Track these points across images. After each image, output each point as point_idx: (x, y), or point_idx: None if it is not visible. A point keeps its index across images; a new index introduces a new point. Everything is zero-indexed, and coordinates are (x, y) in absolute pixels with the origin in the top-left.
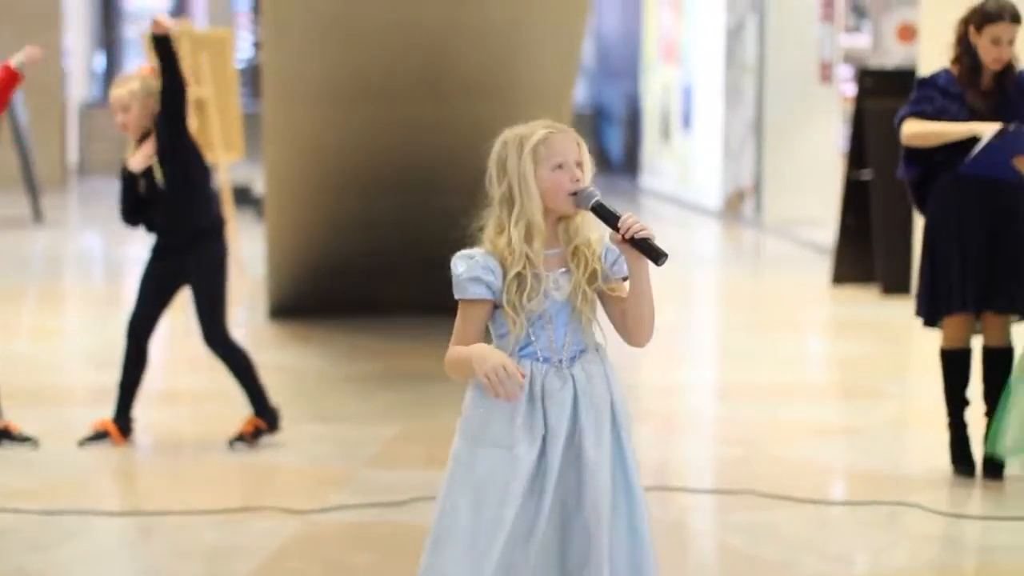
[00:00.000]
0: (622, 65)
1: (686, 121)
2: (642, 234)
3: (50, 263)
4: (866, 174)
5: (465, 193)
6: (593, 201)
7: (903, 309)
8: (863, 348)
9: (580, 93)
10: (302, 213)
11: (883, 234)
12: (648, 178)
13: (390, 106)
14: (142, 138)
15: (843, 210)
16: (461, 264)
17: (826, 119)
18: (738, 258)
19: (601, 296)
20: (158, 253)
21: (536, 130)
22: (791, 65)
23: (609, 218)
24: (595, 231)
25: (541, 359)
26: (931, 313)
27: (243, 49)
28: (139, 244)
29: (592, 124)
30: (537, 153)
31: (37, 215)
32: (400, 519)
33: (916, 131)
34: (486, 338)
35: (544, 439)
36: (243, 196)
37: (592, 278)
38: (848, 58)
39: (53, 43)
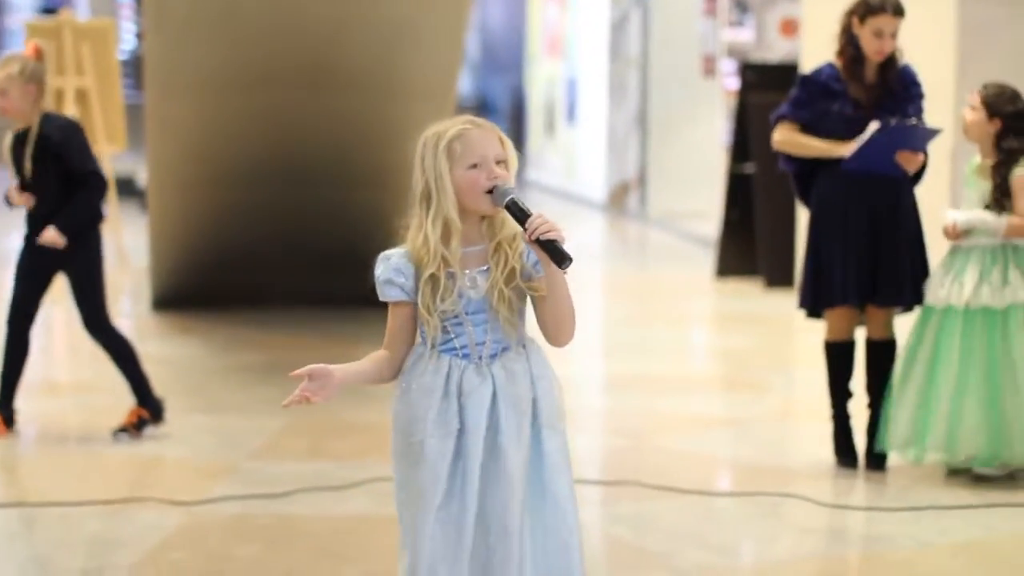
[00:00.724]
0: (506, 58)
1: (571, 114)
2: (548, 235)
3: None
4: (749, 168)
5: (347, 185)
6: (507, 199)
7: (786, 302)
8: (747, 341)
9: (464, 86)
10: (185, 204)
11: (766, 228)
12: (534, 171)
13: (273, 98)
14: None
15: (726, 204)
16: (379, 266)
17: (709, 113)
18: (623, 251)
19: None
20: (32, 241)
21: (452, 127)
22: (675, 59)
23: (520, 217)
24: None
25: (461, 355)
26: (814, 305)
27: (125, 40)
28: (17, 234)
29: (476, 116)
30: (452, 150)
31: None
32: (284, 511)
33: (785, 139)
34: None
35: (460, 436)
36: (126, 187)
37: (510, 277)
38: (731, 52)
39: None
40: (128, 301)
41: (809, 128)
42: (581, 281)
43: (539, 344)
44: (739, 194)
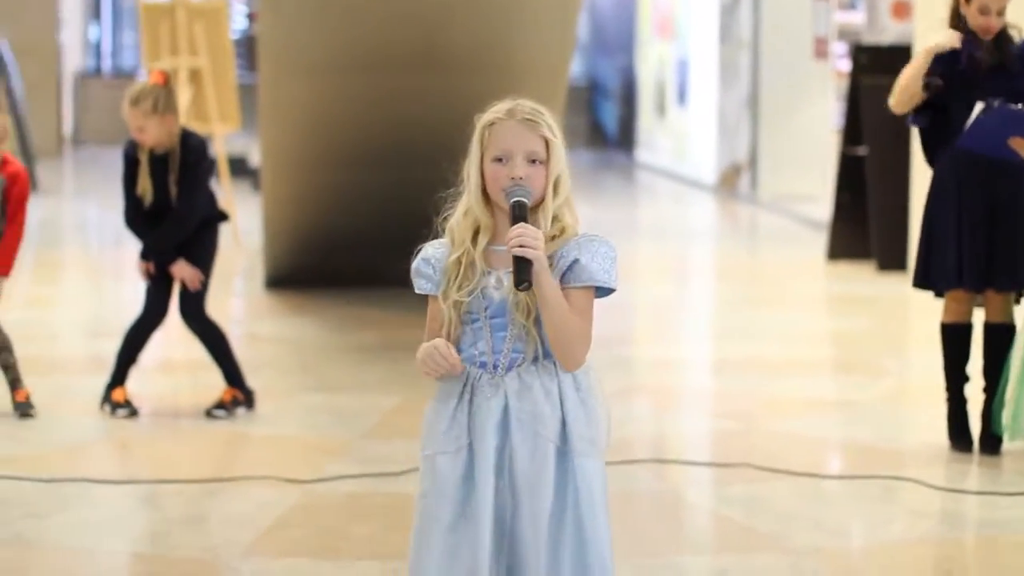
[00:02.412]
0: (617, 39)
1: (681, 96)
2: (516, 251)
3: (45, 231)
4: (861, 150)
5: (459, 166)
6: (511, 200)
7: (899, 285)
8: (859, 324)
9: (575, 67)
10: (298, 184)
11: (878, 210)
12: (644, 153)
13: (386, 79)
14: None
15: (838, 186)
16: (416, 258)
17: (821, 95)
18: (733, 233)
19: None
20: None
21: (493, 113)
22: (786, 41)
23: (513, 224)
24: (571, 226)
25: (478, 363)
26: (925, 283)
27: (237, 20)
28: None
29: (587, 98)
30: (483, 139)
31: (32, 184)
32: (398, 489)
33: (894, 90)
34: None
35: (470, 450)
36: (239, 167)
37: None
38: (843, 34)
39: (49, 13)
40: (241, 281)
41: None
42: (691, 264)
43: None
44: (851, 176)
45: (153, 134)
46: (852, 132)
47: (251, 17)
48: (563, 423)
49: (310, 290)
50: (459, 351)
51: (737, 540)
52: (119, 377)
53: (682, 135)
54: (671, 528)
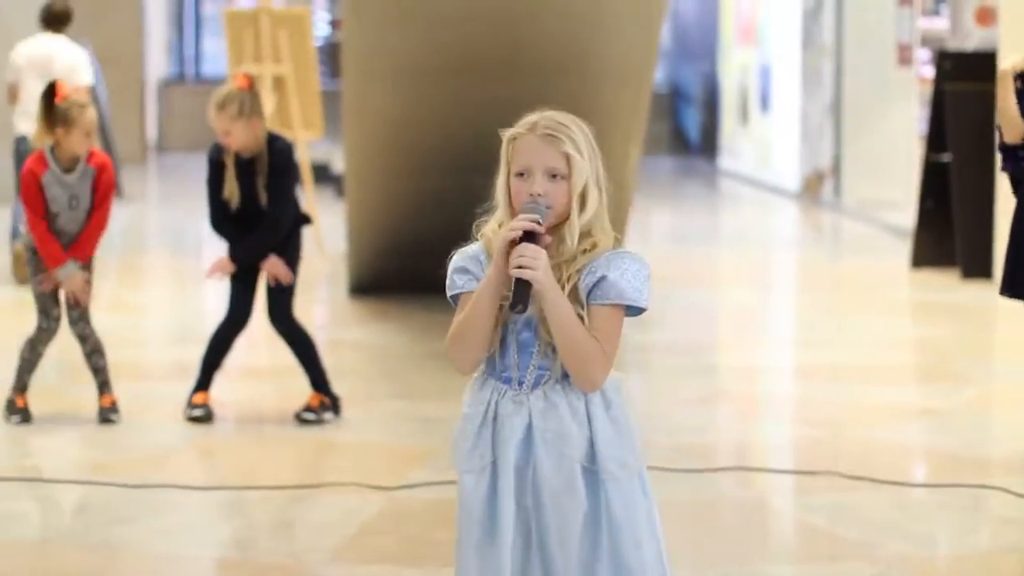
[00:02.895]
0: (699, 46)
1: (764, 102)
2: (515, 272)
3: (130, 238)
4: (945, 157)
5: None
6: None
7: (984, 293)
8: (943, 331)
9: (657, 73)
10: (382, 191)
11: (963, 217)
12: (727, 159)
13: (470, 85)
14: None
15: (922, 193)
16: (456, 257)
17: (904, 101)
18: (816, 240)
19: None
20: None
21: (519, 127)
22: (869, 47)
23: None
24: (603, 242)
25: (503, 379)
26: (1013, 292)
27: (320, 27)
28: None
29: (669, 105)
30: (508, 153)
31: (117, 191)
32: None
33: (1001, 125)
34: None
35: (494, 468)
36: (322, 174)
37: None
38: (926, 41)
39: (133, 20)
40: (325, 287)
41: None
42: (774, 271)
43: (614, 379)
44: (935, 183)
45: (239, 138)
46: (936, 139)
47: (334, 24)
48: (591, 443)
49: (394, 296)
50: (485, 366)
51: (823, 549)
52: (203, 382)
53: (765, 141)
54: (756, 536)
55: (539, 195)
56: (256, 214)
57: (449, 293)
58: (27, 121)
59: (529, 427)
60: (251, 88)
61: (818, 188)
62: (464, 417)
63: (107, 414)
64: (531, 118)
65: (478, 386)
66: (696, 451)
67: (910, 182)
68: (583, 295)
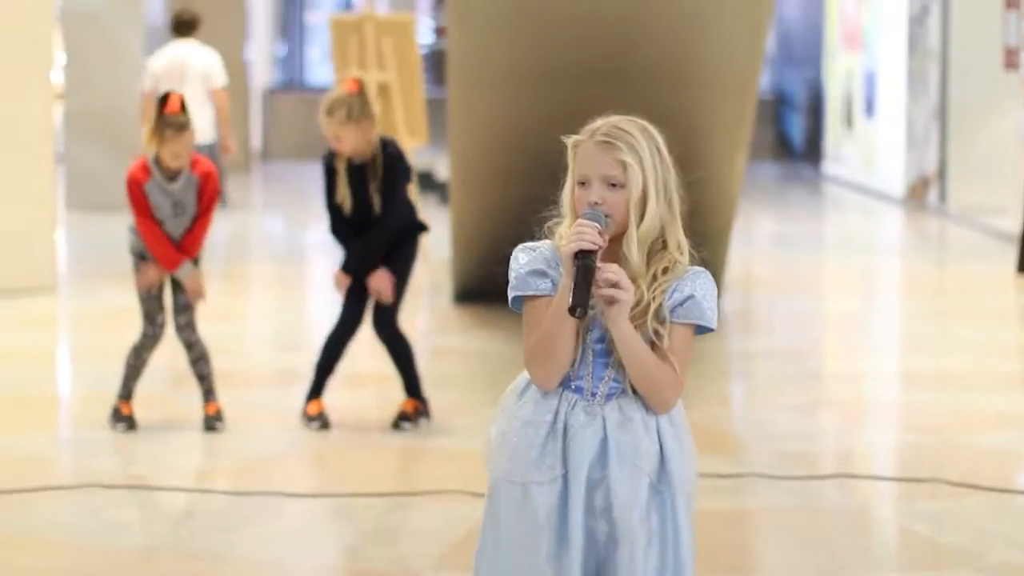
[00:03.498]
0: (804, 51)
1: (869, 108)
2: (607, 292)
3: (234, 246)
4: None
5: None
6: (574, 253)
7: None
8: None
9: (762, 80)
10: (487, 198)
11: None
12: (831, 165)
13: (574, 91)
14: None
15: None
16: (522, 256)
17: (1011, 106)
18: (922, 246)
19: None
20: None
21: (583, 132)
22: (975, 52)
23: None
24: (682, 258)
25: (573, 389)
26: None
27: (425, 34)
28: (321, 228)
29: (774, 110)
30: (571, 159)
31: (222, 199)
32: None
33: None
34: None
35: (565, 480)
36: (426, 181)
37: (642, 314)
38: None
39: (237, 29)
40: (429, 294)
41: None
42: (879, 277)
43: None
44: None
45: (350, 142)
46: None
47: (439, 31)
48: (661, 458)
49: (498, 304)
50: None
51: (928, 557)
52: (316, 389)
53: (870, 147)
54: (860, 545)
55: (596, 203)
56: (371, 219)
57: (521, 293)
58: None
59: (604, 440)
60: (360, 92)
61: (923, 194)
62: (525, 424)
63: (211, 422)
64: (595, 124)
65: (540, 393)
66: (800, 458)
67: (1017, 187)
68: (667, 312)
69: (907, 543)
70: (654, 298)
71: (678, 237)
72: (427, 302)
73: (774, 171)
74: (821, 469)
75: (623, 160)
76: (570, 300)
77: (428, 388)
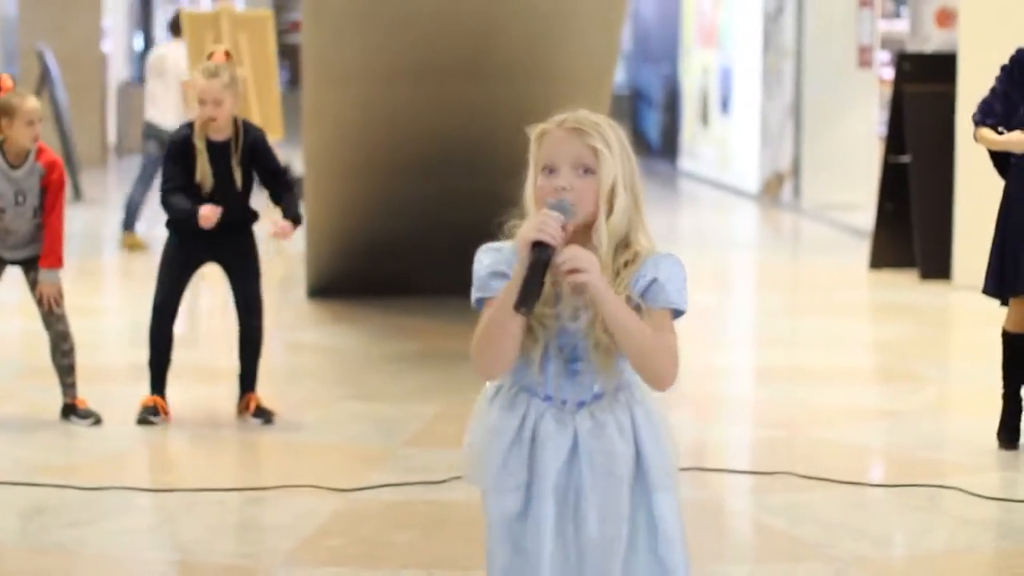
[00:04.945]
0: (660, 48)
1: (724, 105)
2: (572, 279)
3: (89, 241)
4: (904, 158)
5: (504, 176)
6: (533, 241)
7: (942, 294)
8: (901, 332)
9: (618, 76)
10: (341, 194)
11: (922, 219)
12: (687, 161)
13: (429, 88)
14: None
15: (881, 194)
16: (485, 257)
17: (865, 103)
18: (776, 242)
19: None
20: (186, 238)
21: (548, 122)
22: (830, 49)
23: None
24: (645, 249)
25: (542, 396)
26: (997, 290)
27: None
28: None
29: (630, 107)
30: (535, 150)
31: (76, 193)
32: (440, 497)
33: (980, 140)
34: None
35: (528, 489)
36: None
37: None
38: (886, 43)
39: (93, 23)
40: (284, 289)
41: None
42: (734, 272)
43: (645, 389)
44: (894, 185)
45: (228, 109)
46: (895, 140)
47: (294, 26)
48: (638, 458)
49: (352, 299)
50: (515, 377)
51: (780, 549)
52: (157, 384)
53: (725, 143)
54: (713, 537)
55: (563, 188)
56: (231, 196)
57: (483, 295)
58: (152, 108)
59: (574, 448)
60: (231, 61)
61: (778, 190)
62: (492, 430)
63: (84, 414)
64: (561, 115)
65: (507, 400)
66: None
67: (870, 183)
68: (637, 299)
69: (760, 535)
70: (618, 292)
71: (647, 232)
72: (281, 297)
73: None
74: None
75: (594, 146)
76: (516, 296)
77: (281, 383)
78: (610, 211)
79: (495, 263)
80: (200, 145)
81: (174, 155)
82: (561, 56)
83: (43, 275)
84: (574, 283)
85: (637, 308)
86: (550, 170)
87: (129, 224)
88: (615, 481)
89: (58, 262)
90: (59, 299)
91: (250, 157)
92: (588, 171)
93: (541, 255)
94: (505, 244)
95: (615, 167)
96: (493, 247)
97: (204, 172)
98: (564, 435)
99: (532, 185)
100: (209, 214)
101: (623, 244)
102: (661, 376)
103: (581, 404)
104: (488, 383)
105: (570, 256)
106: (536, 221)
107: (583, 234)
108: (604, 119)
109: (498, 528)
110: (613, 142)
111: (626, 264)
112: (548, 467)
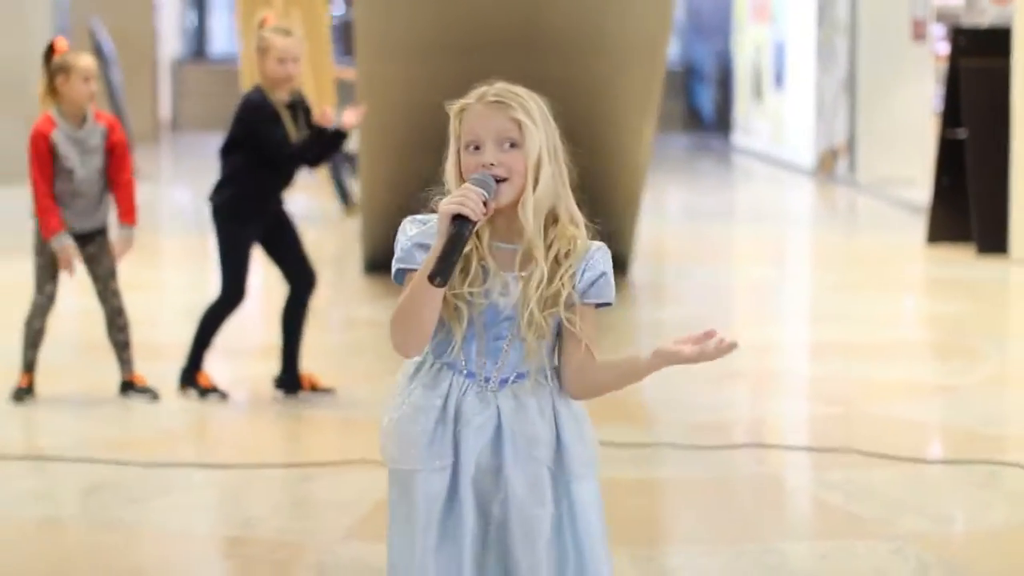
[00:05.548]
0: (713, 23)
1: (778, 79)
2: (450, 207)
3: (143, 217)
4: (960, 133)
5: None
6: (452, 215)
7: (999, 269)
8: (959, 307)
9: (671, 51)
10: (396, 169)
11: (978, 193)
12: (741, 136)
13: (482, 63)
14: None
15: (937, 169)
16: (411, 228)
17: (919, 78)
18: (831, 217)
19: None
20: (247, 218)
21: (468, 98)
22: (884, 23)
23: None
24: (579, 234)
25: (464, 373)
26: None
27: (334, 5)
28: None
29: (683, 82)
30: (455, 126)
31: (132, 170)
32: None
33: None
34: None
35: (455, 470)
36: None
37: (552, 301)
38: (941, 16)
39: (145, 1)
40: (339, 264)
41: None
42: (789, 248)
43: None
44: (950, 159)
45: (299, 67)
46: (951, 115)
47: (347, 1)
48: (558, 444)
49: None
50: (436, 353)
51: (839, 526)
52: (197, 362)
53: (779, 118)
54: (772, 514)
55: (491, 165)
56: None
57: (405, 266)
58: None
59: (498, 428)
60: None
61: (832, 165)
62: (416, 408)
63: (144, 390)
64: (480, 89)
65: (430, 377)
66: (712, 428)
67: (925, 158)
68: (577, 297)
69: (818, 512)
70: (563, 285)
71: (571, 209)
72: (337, 272)
73: (684, 143)
74: (732, 439)
75: (518, 119)
76: (432, 267)
77: (337, 358)
78: (536, 183)
79: (420, 235)
80: (279, 104)
81: (267, 118)
82: (614, 30)
83: (121, 232)
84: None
85: (571, 305)
86: (475, 146)
87: (346, 198)
88: (535, 465)
89: (135, 220)
90: (122, 253)
91: (306, 118)
92: (513, 145)
93: (461, 228)
94: (431, 217)
95: (539, 138)
96: (419, 219)
97: (291, 130)
98: (487, 414)
99: (453, 162)
100: (353, 119)
101: (551, 219)
102: (586, 396)
103: (503, 383)
104: (407, 360)
105: (462, 191)
106: (457, 195)
107: (511, 210)
108: (524, 90)
109: (424, 510)
110: (535, 113)
111: (567, 254)
112: (474, 447)
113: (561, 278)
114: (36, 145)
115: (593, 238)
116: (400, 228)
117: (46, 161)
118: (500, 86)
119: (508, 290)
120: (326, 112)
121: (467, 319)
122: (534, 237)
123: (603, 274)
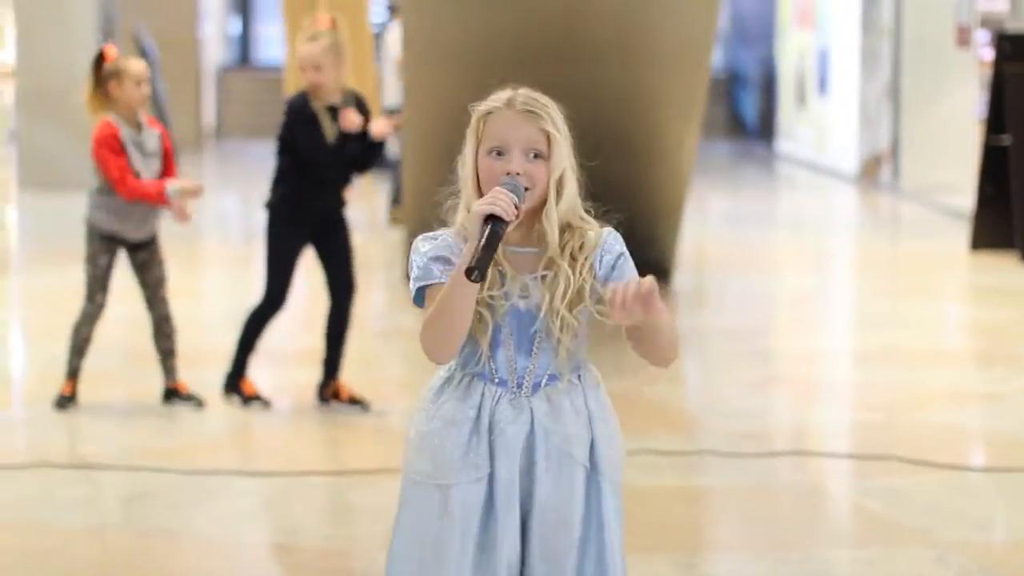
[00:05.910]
0: (757, 30)
1: (822, 86)
2: (483, 208)
3: (187, 224)
4: (1005, 140)
5: (602, 158)
6: (485, 215)
7: None
8: (1002, 315)
9: (715, 58)
10: (440, 175)
11: (1022, 200)
12: (784, 143)
13: (526, 70)
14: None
15: (981, 176)
16: (424, 245)
17: (964, 84)
18: (875, 224)
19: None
20: (297, 222)
21: (490, 103)
22: (928, 29)
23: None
24: (588, 226)
25: (496, 381)
26: None
27: (377, 12)
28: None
29: (727, 89)
30: (478, 130)
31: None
32: None
33: None
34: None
35: (491, 480)
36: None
37: (576, 299)
38: (985, 22)
39: (189, 7)
40: (383, 272)
41: None
42: (832, 254)
43: (598, 376)
44: (994, 166)
45: (329, 74)
46: (996, 121)
47: (392, 9)
48: (592, 445)
49: None
50: (464, 365)
51: (881, 533)
52: (241, 367)
53: (823, 125)
54: (813, 521)
55: (517, 173)
56: (340, 162)
57: (424, 283)
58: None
59: (531, 433)
60: (336, 29)
61: (876, 171)
62: (447, 422)
63: (186, 397)
64: (505, 93)
65: (460, 390)
66: (753, 435)
67: (969, 165)
68: (599, 286)
69: (860, 520)
70: (584, 279)
71: (580, 213)
72: (380, 280)
73: (727, 149)
74: (774, 446)
75: (547, 131)
76: (471, 262)
77: (379, 366)
78: (559, 196)
79: (434, 249)
80: (320, 109)
81: (305, 121)
82: (659, 37)
83: (170, 186)
84: (647, 301)
85: (598, 297)
86: (498, 152)
87: (398, 198)
88: (571, 465)
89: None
90: (195, 194)
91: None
92: (538, 156)
93: (496, 227)
94: (441, 232)
95: (566, 152)
96: (429, 236)
97: (332, 134)
98: (521, 421)
99: (471, 164)
100: (353, 118)
101: (565, 224)
102: (672, 356)
103: (536, 387)
104: (435, 374)
105: (495, 193)
106: (489, 197)
107: (529, 219)
108: (547, 98)
109: (467, 522)
110: (561, 125)
111: (581, 247)
112: (511, 455)
113: (580, 272)
114: (110, 145)
115: (601, 225)
116: (412, 248)
117: (123, 157)
118: (526, 93)
119: (528, 292)
120: (347, 115)
121: (491, 326)
122: (555, 245)
123: (621, 255)
